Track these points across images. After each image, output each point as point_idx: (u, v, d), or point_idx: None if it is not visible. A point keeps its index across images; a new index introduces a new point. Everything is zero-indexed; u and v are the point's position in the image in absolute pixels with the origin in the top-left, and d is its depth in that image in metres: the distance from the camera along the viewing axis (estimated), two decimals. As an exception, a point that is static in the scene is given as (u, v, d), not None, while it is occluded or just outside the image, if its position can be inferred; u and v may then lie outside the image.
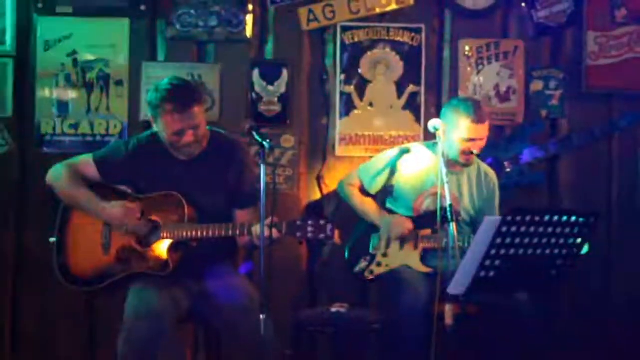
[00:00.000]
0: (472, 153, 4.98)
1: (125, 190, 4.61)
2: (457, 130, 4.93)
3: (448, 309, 4.17)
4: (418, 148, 5.22)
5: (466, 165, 5.05)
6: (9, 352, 5.72)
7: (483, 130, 4.97)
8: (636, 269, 5.85)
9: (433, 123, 4.76)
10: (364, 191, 5.28)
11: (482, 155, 5.36)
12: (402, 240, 5.08)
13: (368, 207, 5.21)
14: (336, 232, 4.26)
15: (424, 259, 5.05)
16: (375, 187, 5.24)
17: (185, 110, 4.34)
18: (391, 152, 5.24)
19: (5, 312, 5.72)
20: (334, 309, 4.92)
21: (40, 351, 5.72)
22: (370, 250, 5.14)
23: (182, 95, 4.36)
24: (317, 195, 5.86)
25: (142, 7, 5.77)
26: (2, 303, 5.70)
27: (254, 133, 4.16)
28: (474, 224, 5.18)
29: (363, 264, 5.12)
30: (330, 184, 5.78)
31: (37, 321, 5.73)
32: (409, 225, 5.05)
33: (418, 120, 5.86)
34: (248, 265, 4.47)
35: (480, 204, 5.19)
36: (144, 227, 4.47)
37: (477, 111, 4.92)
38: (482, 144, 5.02)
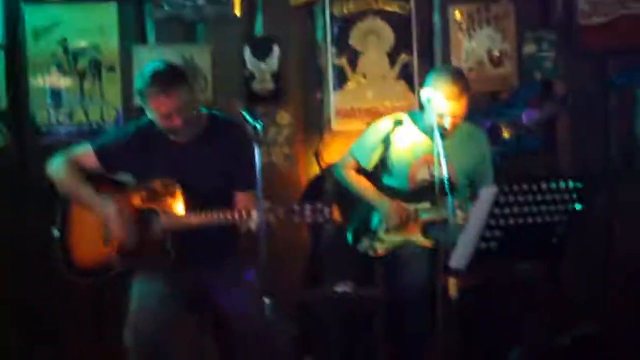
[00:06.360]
0: (445, 128, 4.88)
1: (124, 181, 4.60)
2: (432, 101, 4.81)
3: (452, 282, 4.17)
4: (407, 119, 5.19)
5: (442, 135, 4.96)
6: (19, 344, 5.72)
7: (457, 107, 4.85)
8: (637, 229, 5.85)
9: (425, 93, 4.74)
10: (360, 169, 5.25)
11: (480, 121, 5.36)
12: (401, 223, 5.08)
13: (366, 190, 5.16)
14: (334, 210, 4.27)
15: (425, 232, 5.02)
16: (371, 163, 5.19)
17: (169, 93, 4.31)
18: (383, 126, 5.17)
19: (10, 304, 5.71)
20: (339, 288, 4.92)
21: (48, 343, 5.71)
22: (372, 228, 5.13)
23: (164, 79, 4.33)
24: (316, 171, 5.85)
25: (129, -10, 5.76)
26: (5, 296, 5.69)
27: (245, 115, 4.15)
28: (472, 186, 5.15)
29: (366, 242, 5.11)
30: (328, 159, 5.77)
31: (44, 314, 5.73)
32: (403, 213, 5.03)
33: (412, 89, 5.83)
34: (251, 273, 4.51)
35: (474, 164, 5.14)
36: (132, 236, 4.46)
37: (452, 87, 4.81)
38: (457, 120, 4.90)
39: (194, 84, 4.47)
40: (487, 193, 3.84)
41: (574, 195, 3.91)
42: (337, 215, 4.43)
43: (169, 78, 4.35)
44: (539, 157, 5.87)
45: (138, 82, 4.46)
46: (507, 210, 3.84)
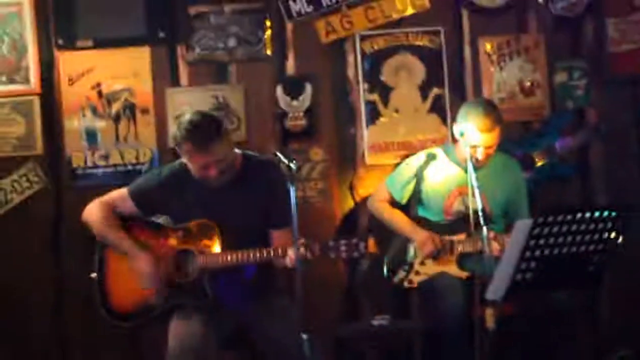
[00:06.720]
0: (478, 160, 4.91)
1: (161, 223, 4.63)
2: (465, 133, 4.88)
3: (489, 313, 4.15)
4: (440, 153, 5.22)
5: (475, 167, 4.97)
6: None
7: (489, 139, 4.91)
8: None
9: (458, 127, 4.76)
10: (394, 202, 5.29)
11: (511, 151, 5.36)
12: (437, 252, 5.08)
13: (400, 222, 5.20)
14: (370, 241, 4.27)
15: (461, 264, 5.03)
16: (404, 197, 5.25)
17: (205, 149, 4.34)
18: (417, 160, 5.24)
19: (51, 348, 5.77)
20: (375, 322, 4.91)
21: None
22: (408, 259, 5.14)
23: (200, 134, 4.34)
24: (351, 205, 5.86)
25: (161, 34, 5.79)
26: (45, 339, 5.76)
27: (279, 156, 4.17)
28: (507, 217, 5.16)
29: (402, 274, 5.12)
30: (363, 193, 5.77)
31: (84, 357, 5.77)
32: (437, 241, 5.04)
33: (444, 122, 5.84)
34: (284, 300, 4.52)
35: (508, 195, 5.17)
36: (161, 292, 4.49)
37: (484, 119, 4.87)
38: (490, 151, 4.97)
39: (228, 132, 4.48)
40: (523, 225, 3.82)
41: (609, 224, 3.89)
42: (374, 247, 4.43)
43: (206, 134, 4.35)
44: (572, 184, 5.85)
45: (175, 132, 4.48)
46: (542, 242, 3.80)
